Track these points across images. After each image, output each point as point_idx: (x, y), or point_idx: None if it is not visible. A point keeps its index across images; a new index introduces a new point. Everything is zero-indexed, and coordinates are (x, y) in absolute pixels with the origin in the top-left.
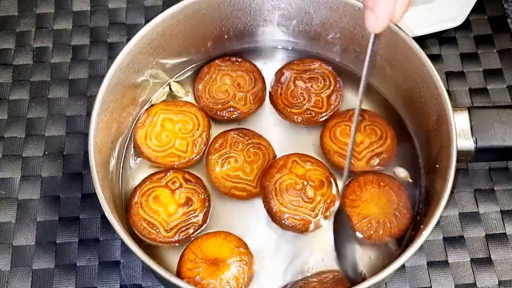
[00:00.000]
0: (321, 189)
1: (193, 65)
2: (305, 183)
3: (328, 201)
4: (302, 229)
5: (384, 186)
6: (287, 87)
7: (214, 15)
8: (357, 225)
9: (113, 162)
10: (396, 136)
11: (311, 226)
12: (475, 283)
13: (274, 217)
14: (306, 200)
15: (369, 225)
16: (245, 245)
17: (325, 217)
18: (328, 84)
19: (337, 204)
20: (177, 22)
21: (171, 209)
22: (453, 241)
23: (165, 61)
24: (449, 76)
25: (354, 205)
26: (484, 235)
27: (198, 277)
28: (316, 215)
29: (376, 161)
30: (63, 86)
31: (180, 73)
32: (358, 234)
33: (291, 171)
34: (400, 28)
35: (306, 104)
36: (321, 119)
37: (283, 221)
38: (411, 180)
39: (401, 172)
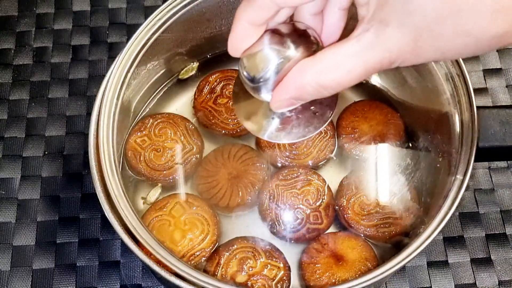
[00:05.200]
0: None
1: (192, 65)
2: None
3: None
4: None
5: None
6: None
7: (214, 14)
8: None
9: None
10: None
11: None
12: (475, 283)
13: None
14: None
15: (356, 135)
16: (375, 262)
17: None
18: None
19: None
20: (176, 21)
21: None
22: (453, 241)
23: (164, 60)
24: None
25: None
26: (484, 235)
27: (316, 258)
28: None
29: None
30: (63, 86)
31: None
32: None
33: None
34: None
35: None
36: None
37: None
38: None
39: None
